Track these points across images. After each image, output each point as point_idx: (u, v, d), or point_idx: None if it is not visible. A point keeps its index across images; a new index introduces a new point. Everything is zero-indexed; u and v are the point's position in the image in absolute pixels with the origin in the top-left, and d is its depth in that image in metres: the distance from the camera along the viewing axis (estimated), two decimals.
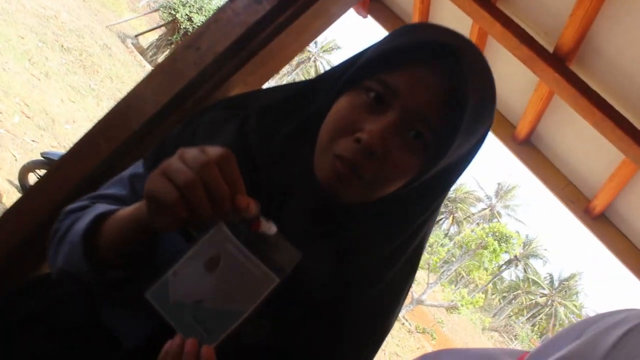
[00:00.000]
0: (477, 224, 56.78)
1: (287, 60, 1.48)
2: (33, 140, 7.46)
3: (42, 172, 5.75)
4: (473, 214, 65.50)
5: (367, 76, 0.90)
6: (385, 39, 0.95)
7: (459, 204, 65.53)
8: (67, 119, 8.93)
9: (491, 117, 0.95)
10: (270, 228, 0.77)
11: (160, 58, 18.55)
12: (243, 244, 0.76)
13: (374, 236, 0.97)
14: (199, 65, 1.25)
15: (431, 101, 0.87)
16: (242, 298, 0.75)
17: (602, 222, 2.79)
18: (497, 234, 23.43)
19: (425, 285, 21.95)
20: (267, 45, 1.30)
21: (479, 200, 67.61)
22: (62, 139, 8.16)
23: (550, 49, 2.10)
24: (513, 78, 2.55)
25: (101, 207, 0.94)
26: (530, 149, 2.94)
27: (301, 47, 1.51)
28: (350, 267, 0.95)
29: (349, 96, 0.91)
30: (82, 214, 0.96)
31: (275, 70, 1.47)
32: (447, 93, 0.87)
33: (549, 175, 2.94)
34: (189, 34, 17.68)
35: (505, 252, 24.79)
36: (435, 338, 21.09)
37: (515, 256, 66.36)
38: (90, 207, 0.97)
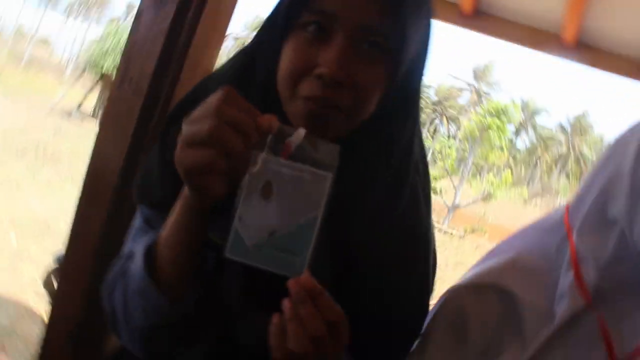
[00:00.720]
0: (471, 112, 56.90)
1: (219, 42, 1.45)
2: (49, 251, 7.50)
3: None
4: (462, 106, 65.73)
5: (299, 13, 0.88)
6: None
7: (446, 103, 65.70)
8: (57, 214, 8.94)
9: (431, 2, 0.94)
10: (298, 134, 0.77)
11: None
12: (285, 159, 0.77)
13: (372, 163, 0.95)
14: (139, 93, 1.21)
15: (370, 9, 0.85)
16: (307, 207, 0.77)
17: (583, 48, 2.79)
18: (493, 111, 23.52)
19: (453, 190, 22.18)
20: (193, 38, 1.27)
21: (461, 90, 67.78)
22: (64, 234, 8.16)
23: None
24: None
25: (141, 244, 0.92)
26: (482, 17, 2.93)
27: (225, 24, 1.47)
28: (356, 208, 0.94)
29: (292, 40, 0.89)
30: (126, 266, 0.93)
31: (214, 55, 1.45)
32: (386, 9, 0.85)
33: (512, 32, 2.93)
34: None
35: (509, 123, 24.91)
36: (486, 232, 21.30)
37: (520, 123, 66.65)
38: (130, 258, 0.94)
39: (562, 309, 0.95)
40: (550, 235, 1.05)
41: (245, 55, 1.00)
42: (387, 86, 0.91)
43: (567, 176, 65.07)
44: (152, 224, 1.00)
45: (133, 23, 1.25)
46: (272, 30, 0.93)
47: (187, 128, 0.75)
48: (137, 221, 1.05)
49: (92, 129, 17.68)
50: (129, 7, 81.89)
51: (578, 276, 0.96)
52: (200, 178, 0.74)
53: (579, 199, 1.04)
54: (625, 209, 0.93)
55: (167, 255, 0.87)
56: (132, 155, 1.23)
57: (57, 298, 1.45)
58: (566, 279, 0.97)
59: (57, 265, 5.70)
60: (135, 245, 0.95)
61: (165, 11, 1.21)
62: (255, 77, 0.96)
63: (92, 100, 19.73)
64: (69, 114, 18.75)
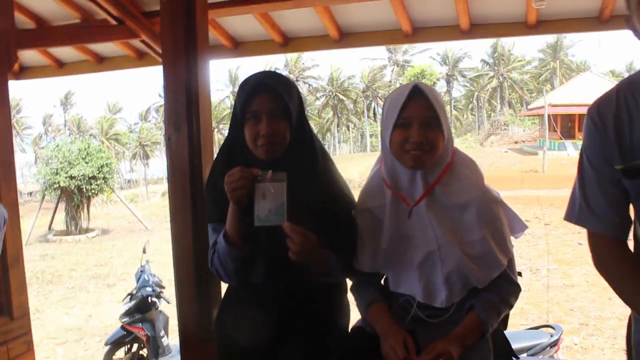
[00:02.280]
0: (398, 85, 58.06)
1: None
2: (86, 350, 8.44)
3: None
4: (389, 82, 66.89)
5: (245, 110, 1.96)
6: (239, 90, 2.01)
7: (373, 86, 66.90)
8: (83, 320, 9.89)
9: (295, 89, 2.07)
10: (269, 173, 1.82)
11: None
12: (267, 182, 1.82)
13: (300, 162, 2.02)
14: (185, 176, 2.45)
15: (271, 100, 1.95)
16: (279, 198, 1.81)
17: None
18: (414, 77, 24.69)
19: None
20: (200, 139, 2.50)
21: (382, 68, 69.12)
22: (94, 330, 9.13)
23: None
24: None
25: (218, 236, 2.03)
26: None
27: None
28: (302, 185, 1.97)
29: (246, 125, 1.98)
30: (215, 247, 2.05)
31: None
32: (276, 98, 1.95)
33: None
34: (84, 188, 18.35)
35: (435, 81, 26.11)
36: None
37: (447, 74, 68.37)
38: (215, 244, 2.07)
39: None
40: None
41: (229, 136, 2.11)
42: (291, 130, 2.01)
43: (510, 105, 67.02)
44: (217, 229, 2.09)
45: (167, 141, 2.48)
46: (237, 121, 2.04)
47: (228, 177, 1.85)
48: (209, 230, 2.18)
49: (72, 242, 18.44)
50: (46, 122, 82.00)
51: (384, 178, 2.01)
52: (237, 194, 1.82)
53: None
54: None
55: (231, 233, 1.95)
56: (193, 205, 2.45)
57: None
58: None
59: (108, 346, 6.75)
60: (215, 238, 2.08)
61: (182, 133, 2.45)
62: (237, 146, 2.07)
63: (60, 217, 20.33)
64: (45, 239, 19.38)
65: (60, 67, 5.04)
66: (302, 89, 70.15)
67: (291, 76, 67.63)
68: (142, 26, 3.79)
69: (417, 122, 1.86)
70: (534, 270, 10.58)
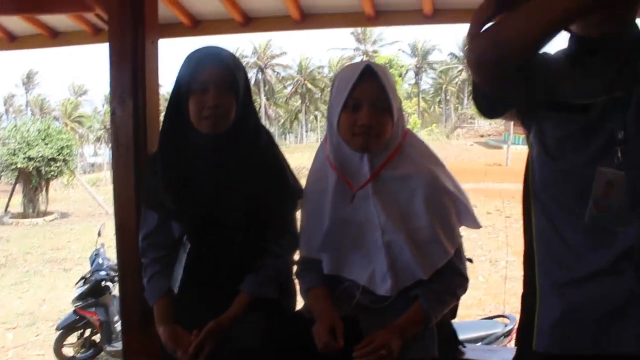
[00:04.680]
0: None
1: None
2: (37, 335, 8.24)
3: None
4: None
5: (192, 81, 1.89)
6: (186, 60, 1.95)
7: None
8: (36, 304, 9.66)
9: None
10: None
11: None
12: None
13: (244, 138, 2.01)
14: (129, 149, 2.32)
15: (226, 79, 1.91)
16: None
17: None
18: None
19: None
20: (145, 113, 2.37)
21: (351, 58, 69.25)
22: (54, 314, 8.91)
23: None
24: None
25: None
26: None
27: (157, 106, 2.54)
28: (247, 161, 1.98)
29: (192, 97, 1.91)
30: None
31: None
32: (224, 70, 1.91)
33: None
34: (43, 170, 17.93)
35: (399, 75, 26.25)
36: None
37: (415, 66, 68.87)
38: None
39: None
40: None
41: (169, 112, 2.02)
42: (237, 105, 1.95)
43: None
44: (147, 218, 2.08)
45: (111, 115, 2.36)
46: (179, 95, 1.96)
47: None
48: (142, 211, 2.11)
49: (29, 225, 18.03)
50: (7, 102, 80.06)
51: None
52: None
53: None
54: None
55: None
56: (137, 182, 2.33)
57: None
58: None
59: (60, 331, 6.59)
60: (145, 231, 2.10)
61: (127, 107, 2.33)
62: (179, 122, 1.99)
63: (17, 199, 19.90)
64: (1, 221, 18.95)
65: (12, 41, 4.83)
66: (271, 77, 69.93)
67: (259, 63, 67.31)
68: None
69: (367, 104, 1.79)
70: (494, 261, 10.72)
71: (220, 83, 1.90)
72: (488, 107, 1.58)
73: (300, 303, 2.09)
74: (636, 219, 1.36)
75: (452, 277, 1.93)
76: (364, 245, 1.87)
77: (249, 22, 4.16)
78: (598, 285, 1.39)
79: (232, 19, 4.13)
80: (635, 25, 1.50)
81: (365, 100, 1.79)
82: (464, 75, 68.13)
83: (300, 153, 35.21)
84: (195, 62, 1.91)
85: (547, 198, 1.52)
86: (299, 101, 70.66)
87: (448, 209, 1.91)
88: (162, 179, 1.98)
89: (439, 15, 3.79)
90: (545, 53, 1.55)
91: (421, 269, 1.84)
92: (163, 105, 2.17)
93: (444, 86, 70.47)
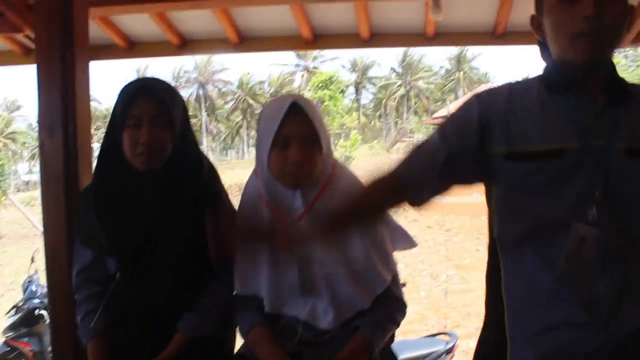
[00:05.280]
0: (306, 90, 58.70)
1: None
2: None
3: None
4: (298, 88, 67.41)
5: (125, 115, 1.83)
6: (120, 93, 1.87)
7: (282, 91, 67.13)
8: None
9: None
10: None
11: None
12: None
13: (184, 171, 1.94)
14: (58, 180, 2.23)
15: (158, 110, 1.85)
16: None
17: None
18: (321, 84, 24.89)
19: None
20: (76, 143, 2.28)
21: (292, 74, 69.56)
22: None
23: None
24: None
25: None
26: None
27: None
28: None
29: (125, 131, 1.84)
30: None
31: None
32: (159, 104, 1.85)
33: None
34: None
35: (340, 91, 26.47)
36: None
37: (356, 81, 69.69)
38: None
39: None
40: None
41: (105, 144, 1.95)
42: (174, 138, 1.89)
43: (416, 113, 69.07)
44: (81, 253, 1.99)
45: (39, 147, 2.25)
46: (114, 128, 1.90)
47: None
48: (76, 245, 2.03)
49: None
50: None
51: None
52: None
53: None
54: None
55: None
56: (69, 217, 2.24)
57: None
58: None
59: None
60: (79, 267, 2.00)
61: (56, 139, 2.23)
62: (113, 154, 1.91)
63: None
64: None
65: None
66: (212, 92, 69.43)
67: (201, 79, 66.76)
68: (26, 20, 3.51)
69: (296, 141, 1.76)
70: (434, 276, 10.87)
71: (155, 118, 1.84)
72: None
73: (239, 341, 2.05)
74: (607, 271, 1.36)
75: (390, 304, 1.92)
76: (303, 280, 1.84)
77: (186, 45, 4.12)
78: (571, 333, 1.39)
79: (169, 41, 4.08)
80: (614, 66, 1.48)
81: (294, 137, 1.76)
82: (402, 90, 69.41)
83: (242, 169, 34.90)
84: (129, 95, 1.84)
85: (518, 249, 1.49)
86: (240, 117, 70.30)
87: (382, 235, 1.90)
88: (96, 214, 1.90)
89: (376, 40, 3.84)
90: (504, 92, 1.50)
91: (361, 299, 1.83)
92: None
93: (384, 101, 71.45)
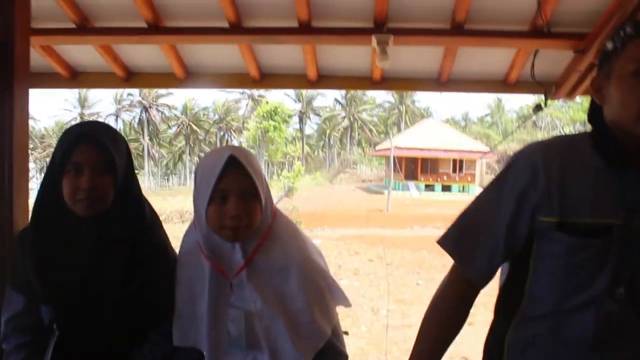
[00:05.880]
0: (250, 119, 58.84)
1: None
2: None
3: None
4: (243, 116, 67.42)
5: (66, 161, 1.77)
6: (61, 138, 1.82)
7: (227, 117, 66.99)
8: None
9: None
10: None
11: None
12: None
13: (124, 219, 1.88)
14: None
15: (96, 157, 1.78)
16: None
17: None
18: (266, 114, 24.93)
19: None
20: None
21: (238, 101, 69.46)
22: None
23: None
24: None
25: None
26: None
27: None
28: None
29: (65, 177, 1.77)
30: None
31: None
32: (101, 150, 1.78)
33: None
34: None
35: (285, 121, 26.58)
36: (301, 221, 22.66)
37: (300, 111, 70.18)
38: None
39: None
40: None
41: (43, 188, 1.87)
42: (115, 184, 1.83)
43: (359, 144, 69.97)
44: (12, 298, 1.88)
45: None
46: (53, 172, 1.83)
47: None
48: (7, 291, 1.91)
49: None
50: None
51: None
52: None
53: None
54: None
55: None
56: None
57: None
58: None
59: None
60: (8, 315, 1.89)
61: None
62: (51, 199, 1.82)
63: None
64: None
65: None
66: (155, 116, 68.57)
67: (144, 102, 65.91)
68: None
69: (234, 195, 1.74)
70: (375, 310, 10.90)
71: (96, 165, 1.78)
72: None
73: None
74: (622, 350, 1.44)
75: (332, 357, 1.92)
76: (243, 333, 1.82)
77: (132, 77, 4.07)
78: None
79: (114, 73, 4.02)
80: None
81: (232, 191, 1.74)
82: (346, 121, 70.28)
83: (184, 196, 34.44)
84: (70, 140, 1.78)
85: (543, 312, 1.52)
86: (183, 142, 69.60)
87: (322, 288, 1.89)
88: (31, 260, 1.82)
89: (324, 81, 3.89)
90: (558, 152, 1.48)
91: (302, 353, 1.82)
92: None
93: (328, 131, 72.13)
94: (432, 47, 3.60)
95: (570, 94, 3.76)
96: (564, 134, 1.66)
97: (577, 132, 1.58)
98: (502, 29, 3.32)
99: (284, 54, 3.74)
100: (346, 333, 2.10)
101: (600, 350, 1.43)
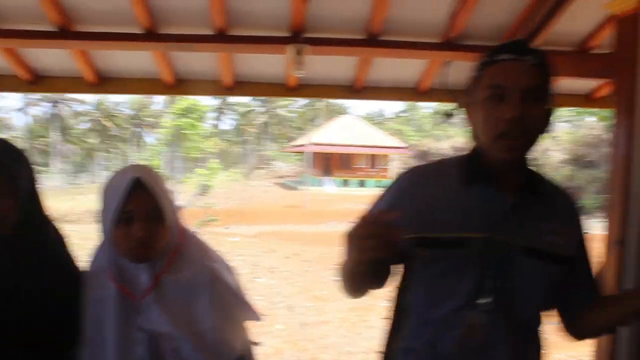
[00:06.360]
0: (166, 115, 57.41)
1: None
2: None
3: None
4: (159, 111, 65.88)
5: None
6: None
7: (142, 113, 65.28)
8: None
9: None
10: None
11: None
12: None
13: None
14: None
15: None
16: None
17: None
18: (181, 111, 24.45)
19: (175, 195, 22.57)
20: None
21: (151, 96, 67.67)
22: None
23: None
24: None
25: None
26: None
27: None
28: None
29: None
30: None
31: None
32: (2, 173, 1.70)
33: None
34: None
35: (201, 118, 26.19)
36: (217, 219, 22.37)
37: (219, 108, 69.33)
38: None
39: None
40: None
41: None
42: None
43: (276, 140, 69.79)
44: None
45: None
46: None
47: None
48: None
49: None
50: None
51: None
52: None
53: None
54: None
55: None
56: None
57: None
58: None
59: None
60: None
61: None
62: None
63: None
64: None
65: None
66: (66, 111, 65.83)
67: (54, 97, 63.15)
68: None
69: (139, 217, 1.72)
70: (292, 307, 10.95)
71: None
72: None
73: None
74: (494, 355, 1.52)
75: None
76: (151, 355, 1.80)
77: (38, 81, 3.93)
78: None
79: (17, 75, 3.87)
80: (530, 164, 1.59)
81: (137, 213, 1.72)
82: (263, 117, 69.96)
83: (95, 194, 33.14)
84: None
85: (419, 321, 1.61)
86: (96, 138, 67.17)
87: (231, 306, 1.91)
88: None
89: (239, 88, 3.90)
90: (426, 175, 1.63)
91: None
92: None
93: (245, 127, 71.54)
94: (348, 56, 3.68)
95: None
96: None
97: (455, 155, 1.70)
98: (415, 41, 3.46)
99: (200, 60, 3.73)
100: (256, 344, 2.11)
101: None
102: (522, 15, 3.23)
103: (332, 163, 44.84)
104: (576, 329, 1.71)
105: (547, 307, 1.66)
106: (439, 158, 1.75)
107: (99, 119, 65.87)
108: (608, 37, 2.99)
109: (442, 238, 1.52)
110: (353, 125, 47.47)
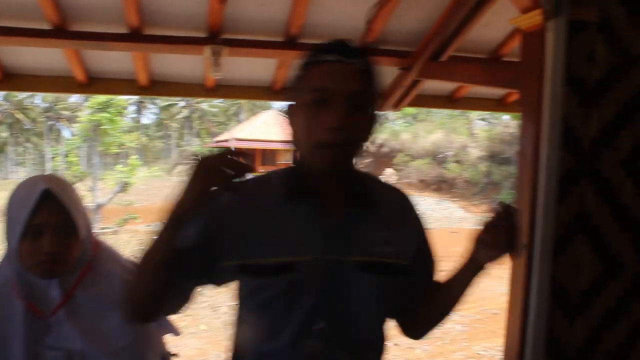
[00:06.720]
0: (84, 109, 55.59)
1: None
2: None
3: None
4: (76, 103, 63.66)
5: None
6: None
7: (57, 106, 62.89)
8: None
9: None
10: None
11: None
12: None
13: None
14: None
15: None
16: None
17: None
18: (99, 106, 23.65)
19: (91, 192, 21.90)
20: None
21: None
22: None
23: None
24: None
25: None
26: None
27: None
28: None
29: None
30: None
31: None
32: None
33: None
34: None
35: (120, 112, 25.43)
36: (137, 217, 21.78)
37: (137, 101, 67.65)
38: None
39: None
40: None
41: None
42: None
43: (198, 135, 68.80)
44: None
45: None
46: None
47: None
48: None
49: None
50: None
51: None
52: None
53: None
54: None
55: None
56: None
57: None
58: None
59: None
60: None
61: None
62: None
63: None
64: None
65: None
66: None
67: None
68: None
69: (48, 230, 1.62)
70: (215, 307, 10.83)
71: None
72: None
73: None
74: None
75: None
76: None
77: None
78: None
79: None
80: (359, 174, 1.48)
81: (47, 226, 1.62)
82: (185, 112, 68.83)
83: (6, 192, 31.62)
84: None
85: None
86: (6, 132, 64.09)
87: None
88: None
89: (156, 87, 3.81)
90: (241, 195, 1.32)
91: None
92: None
93: (166, 122, 70.18)
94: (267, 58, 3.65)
95: (397, 106, 4.00)
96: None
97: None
98: None
99: (114, 58, 3.58)
100: (175, 355, 2.06)
101: None
102: (438, 22, 3.29)
103: (255, 158, 44.62)
104: (414, 330, 1.65)
105: (391, 318, 1.57)
106: (268, 171, 1.56)
107: (10, 111, 62.79)
108: (517, 47, 3.10)
109: (265, 264, 1.36)
110: (277, 120, 47.42)
